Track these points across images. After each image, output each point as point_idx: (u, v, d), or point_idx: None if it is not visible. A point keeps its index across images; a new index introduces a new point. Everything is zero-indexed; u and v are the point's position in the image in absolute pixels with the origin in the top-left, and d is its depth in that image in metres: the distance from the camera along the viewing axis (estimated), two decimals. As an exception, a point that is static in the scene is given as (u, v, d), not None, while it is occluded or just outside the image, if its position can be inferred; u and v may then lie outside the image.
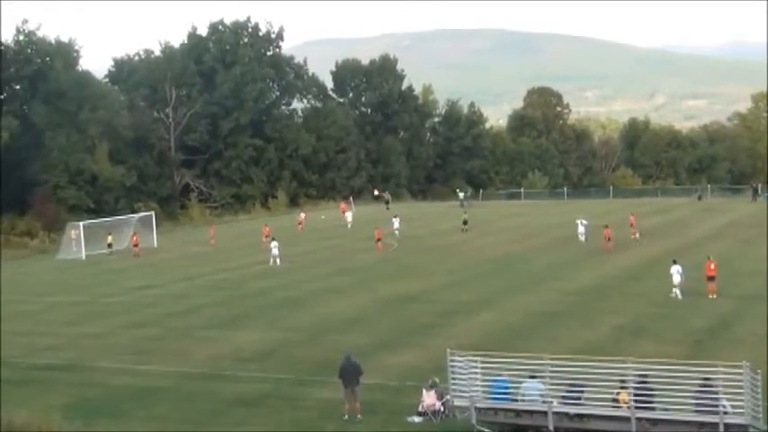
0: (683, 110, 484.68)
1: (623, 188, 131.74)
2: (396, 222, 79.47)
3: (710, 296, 44.00)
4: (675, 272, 44.95)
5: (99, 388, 32.74)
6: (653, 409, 23.25)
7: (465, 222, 79.16)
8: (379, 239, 70.05)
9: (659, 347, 33.45)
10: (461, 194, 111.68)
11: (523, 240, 70.93)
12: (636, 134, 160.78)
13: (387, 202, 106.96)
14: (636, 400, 23.18)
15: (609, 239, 62.96)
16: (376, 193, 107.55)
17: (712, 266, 44.75)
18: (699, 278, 48.43)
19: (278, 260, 64.18)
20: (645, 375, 23.72)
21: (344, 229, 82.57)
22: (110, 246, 77.93)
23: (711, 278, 44.48)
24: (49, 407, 28.61)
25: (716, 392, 22.60)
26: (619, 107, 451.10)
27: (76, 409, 29.13)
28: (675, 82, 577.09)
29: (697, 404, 22.74)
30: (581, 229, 68.14)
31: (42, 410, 27.79)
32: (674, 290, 44.78)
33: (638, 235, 67.98)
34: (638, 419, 23.08)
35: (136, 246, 76.33)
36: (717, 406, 22.43)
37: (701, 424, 22.66)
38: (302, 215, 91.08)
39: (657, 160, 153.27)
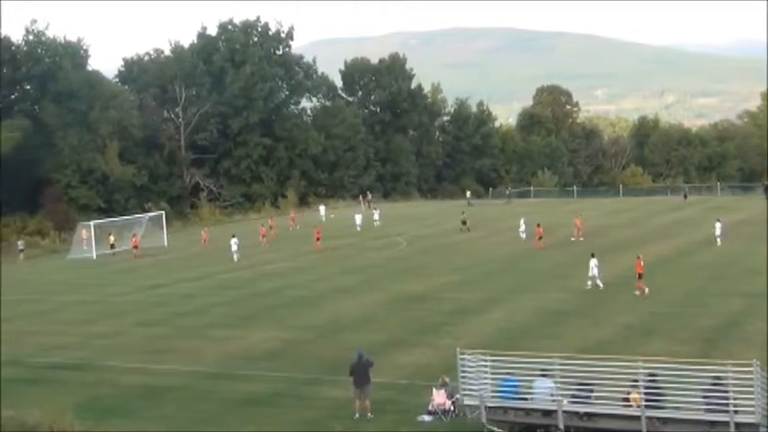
0: (693, 108, 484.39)
1: (633, 186, 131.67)
2: (376, 214, 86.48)
3: (636, 292, 45.06)
4: (593, 265, 47.48)
5: (110, 387, 32.82)
6: (663, 407, 23.22)
7: (464, 222, 79.36)
8: (318, 238, 71.19)
9: (669, 346, 33.41)
10: (468, 194, 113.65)
11: (532, 239, 70.87)
12: (646, 132, 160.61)
13: (369, 202, 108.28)
14: (646, 399, 23.17)
15: (540, 238, 65.49)
16: (366, 204, 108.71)
17: (641, 264, 45.97)
18: (707, 277, 48.64)
19: (236, 256, 67.16)
20: (654, 374, 23.68)
21: (353, 228, 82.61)
22: (112, 246, 78.10)
23: (640, 275, 45.66)
24: (61, 406, 28.65)
25: (726, 391, 22.57)
26: (628, 105, 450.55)
27: (88, 409, 29.21)
28: (685, 80, 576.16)
29: (707, 403, 22.71)
30: (522, 227, 70.73)
31: (54, 409, 27.85)
32: (588, 281, 47.41)
33: (580, 238, 68.41)
34: (649, 418, 23.06)
35: (136, 247, 76.03)
36: (727, 405, 22.41)
37: (712, 423, 22.62)
38: (270, 220, 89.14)
39: (667, 158, 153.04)
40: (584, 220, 72.82)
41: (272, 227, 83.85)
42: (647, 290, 45.04)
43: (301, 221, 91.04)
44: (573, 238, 68.56)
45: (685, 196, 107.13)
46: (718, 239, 62.84)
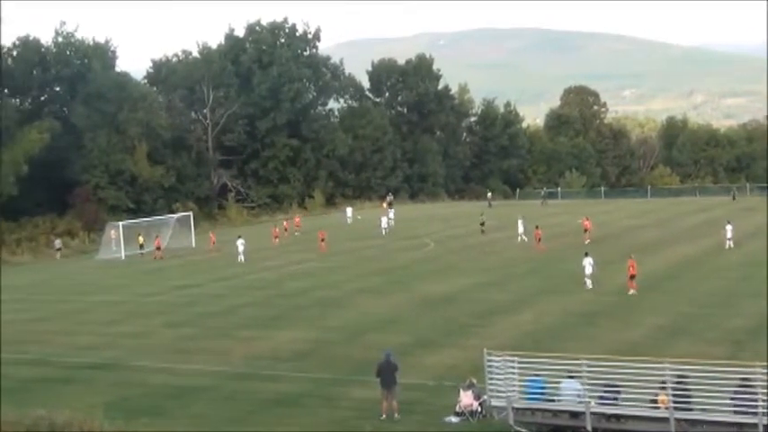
0: (721, 108, 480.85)
1: (661, 187, 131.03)
2: (390, 213, 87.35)
3: (631, 292, 45.80)
4: (588, 264, 48.35)
5: (139, 387, 33.01)
6: (691, 409, 23.10)
7: (482, 224, 79.24)
8: (322, 239, 72.03)
9: (698, 347, 33.21)
10: (489, 195, 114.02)
11: (560, 240, 70.64)
12: (674, 133, 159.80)
13: (389, 203, 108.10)
14: (674, 401, 23.06)
15: (539, 240, 65.65)
16: (384, 205, 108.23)
17: (634, 265, 46.70)
18: (735, 278, 48.33)
19: (241, 257, 68.25)
20: (683, 376, 23.56)
21: (377, 229, 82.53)
22: (141, 246, 78.50)
23: (632, 276, 46.38)
24: (91, 405, 28.85)
25: (755, 393, 22.43)
26: (657, 106, 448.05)
27: (117, 408, 29.36)
28: (714, 80, 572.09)
29: (735, 405, 22.58)
30: (521, 229, 70.74)
31: (84, 409, 28.07)
32: (585, 280, 48.14)
33: (587, 241, 67.27)
34: (677, 420, 22.95)
35: (158, 249, 76.07)
36: (756, 406, 22.26)
37: (740, 425, 22.51)
38: (285, 223, 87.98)
39: (696, 159, 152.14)
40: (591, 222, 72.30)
41: (287, 229, 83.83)
42: (632, 291, 45.69)
43: (320, 224, 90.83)
44: (588, 240, 67.44)
45: (734, 197, 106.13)
46: (729, 242, 61.91)
